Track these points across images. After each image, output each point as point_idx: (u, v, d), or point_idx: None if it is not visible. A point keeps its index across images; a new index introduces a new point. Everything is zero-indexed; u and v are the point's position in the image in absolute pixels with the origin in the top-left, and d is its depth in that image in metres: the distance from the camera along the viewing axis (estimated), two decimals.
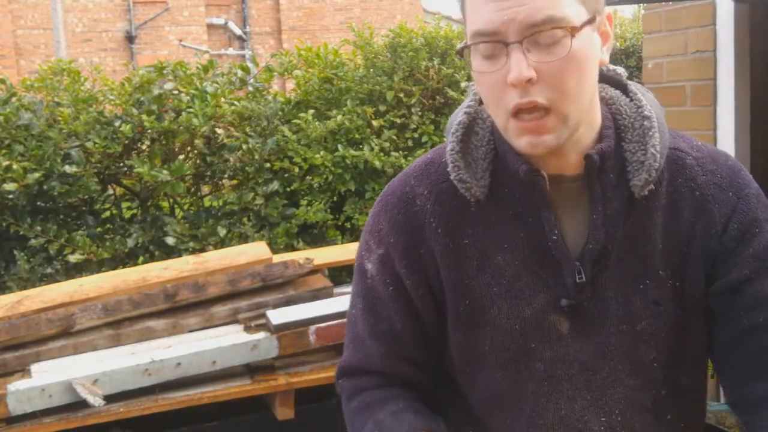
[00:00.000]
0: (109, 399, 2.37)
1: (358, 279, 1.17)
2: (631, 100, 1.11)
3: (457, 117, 1.11)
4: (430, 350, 1.16)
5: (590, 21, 0.98)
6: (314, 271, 2.87)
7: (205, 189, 4.12)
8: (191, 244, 3.56)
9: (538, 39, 0.94)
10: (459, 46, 1.05)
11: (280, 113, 3.96)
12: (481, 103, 1.12)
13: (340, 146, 3.83)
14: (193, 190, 4.00)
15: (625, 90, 1.13)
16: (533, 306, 1.06)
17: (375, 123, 3.96)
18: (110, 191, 3.94)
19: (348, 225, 4.11)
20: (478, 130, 1.10)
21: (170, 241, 3.54)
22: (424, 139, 4.07)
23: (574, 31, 0.95)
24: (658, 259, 1.07)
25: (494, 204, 1.08)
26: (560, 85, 0.96)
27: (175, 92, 3.77)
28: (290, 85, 4.76)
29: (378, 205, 1.16)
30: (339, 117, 3.86)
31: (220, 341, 2.54)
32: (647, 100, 1.11)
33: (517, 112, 0.98)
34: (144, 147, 3.80)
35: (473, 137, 1.10)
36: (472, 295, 1.08)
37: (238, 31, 15.79)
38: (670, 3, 2.90)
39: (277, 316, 2.63)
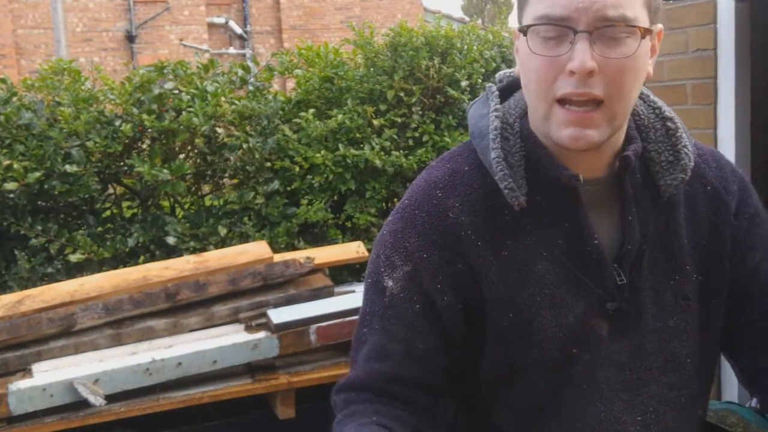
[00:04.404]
0: (110, 398, 2.37)
1: (375, 297, 1.08)
2: (644, 101, 1.12)
3: (489, 122, 1.08)
4: (445, 374, 1.08)
5: (650, 30, 0.99)
6: (315, 270, 2.87)
7: (206, 188, 4.11)
8: (192, 243, 3.56)
9: (606, 34, 0.95)
10: (519, 25, 1.03)
11: (280, 112, 3.96)
12: (502, 102, 1.11)
13: (340, 145, 3.83)
14: (193, 189, 3.99)
15: None
16: (575, 312, 1.05)
17: (375, 122, 3.96)
18: (111, 190, 3.94)
19: (348, 224, 4.11)
20: (508, 136, 1.07)
21: (171, 240, 3.54)
22: (425, 138, 4.06)
23: (645, 33, 0.97)
24: (684, 254, 1.10)
25: (529, 211, 1.05)
26: (618, 82, 0.96)
27: (176, 91, 3.77)
28: (291, 84, 4.76)
29: (400, 221, 1.09)
30: (339, 116, 3.86)
31: (221, 341, 2.54)
32: (659, 101, 1.13)
33: (564, 101, 0.97)
34: (144, 146, 3.79)
35: (504, 143, 1.06)
36: (516, 308, 1.05)
37: (239, 31, 15.78)
38: (671, 1, 2.89)
39: (278, 315, 2.63)
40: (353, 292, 2.97)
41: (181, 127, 3.60)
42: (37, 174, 3.40)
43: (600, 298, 1.05)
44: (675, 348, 1.09)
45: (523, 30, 1.00)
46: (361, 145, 3.90)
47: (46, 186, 3.49)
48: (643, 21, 0.97)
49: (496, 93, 1.11)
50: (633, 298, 1.06)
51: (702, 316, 1.11)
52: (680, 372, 1.10)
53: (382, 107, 4.02)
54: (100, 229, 3.69)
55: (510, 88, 1.14)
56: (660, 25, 1.04)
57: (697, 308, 1.10)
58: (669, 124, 1.09)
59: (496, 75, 1.19)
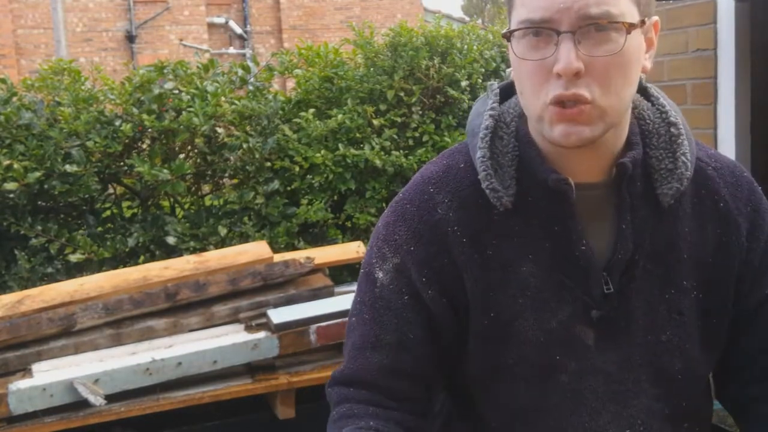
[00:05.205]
0: (111, 398, 2.37)
1: (366, 287, 1.11)
2: (653, 105, 1.09)
3: (482, 120, 1.07)
4: (438, 365, 1.08)
5: (641, 24, 0.97)
6: (315, 270, 2.87)
7: (206, 188, 4.11)
8: (192, 243, 3.56)
9: (591, 32, 0.93)
10: (504, 30, 1.01)
11: (280, 112, 3.96)
12: (501, 103, 1.09)
13: (340, 145, 3.83)
14: (193, 189, 3.99)
15: (644, 93, 1.11)
16: (559, 317, 1.03)
17: (375, 122, 3.96)
18: (111, 190, 3.94)
19: (348, 224, 4.11)
20: (503, 135, 1.06)
21: (171, 240, 3.54)
22: (425, 138, 4.06)
23: (631, 28, 0.94)
24: (682, 269, 1.06)
25: (518, 213, 1.03)
26: (606, 80, 0.94)
27: (176, 91, 3.77)
28: (291, 84, 4.76)
29: (393, 214, 1.10)
30: (339, 116, 3.86)
31: (221, 340, 2.54)
32: (669, 104, 1.09)
33: (557, 103, 0.95)
34: (144, 146, 3.79)
35: (497, 142, 1.05)
36: (497, 308, 1.04)
37: (239, 30, 15.78)
38: (671, 1, 2.89)
39: (278, 315, 2.63)
40: (353, 292, 2.97)
41: (181, 127, 3.60)
42: (37, 174, 3.40)
43: (585, 305, 1.03)
44: (666, 363, 1.06)
45: (507, 36, 0.99)
46: (361, 145, 3.90)
47: (46, 186, 3.49)
48: (631, 16, 0.95)
49: (496, 91, 1.10)
50: (621, 307, 1.04)
51: (701, 333, 1.08)
52: (670, 386, 1.07)
53: (382, 107, 4.02)
54: (100, 229, 3.69)
55: (512, 87, 1.12)
56: (655, 18, 1.02)
57: (696, 324, 1.07)
58: (672, 129, 1.05)
59: (507, 71, 1.19)
